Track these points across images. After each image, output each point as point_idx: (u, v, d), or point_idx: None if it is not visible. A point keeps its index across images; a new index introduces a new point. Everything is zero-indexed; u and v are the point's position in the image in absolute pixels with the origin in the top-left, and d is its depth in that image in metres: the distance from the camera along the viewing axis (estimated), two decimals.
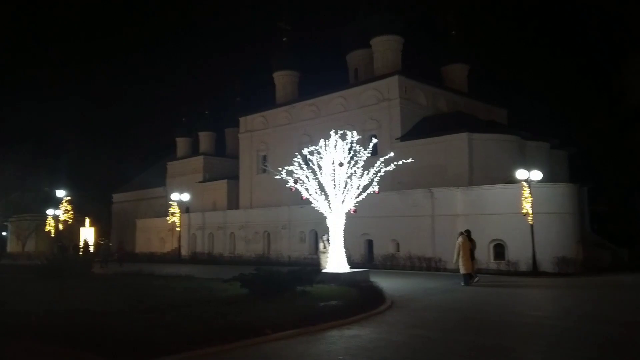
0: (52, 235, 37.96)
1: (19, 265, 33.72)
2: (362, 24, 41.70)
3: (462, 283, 17.83)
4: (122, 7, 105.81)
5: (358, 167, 16.72)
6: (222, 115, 55.12)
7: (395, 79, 35.70)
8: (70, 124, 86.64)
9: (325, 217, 17.19)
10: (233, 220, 40.35)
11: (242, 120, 46.93)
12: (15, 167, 48.54)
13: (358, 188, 16.81)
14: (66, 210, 34.04)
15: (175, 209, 34.31)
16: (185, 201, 38.59)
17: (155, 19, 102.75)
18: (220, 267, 29.49)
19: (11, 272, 25.64)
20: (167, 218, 34.72)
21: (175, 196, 35.84)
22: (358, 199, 16.82)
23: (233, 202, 46.62)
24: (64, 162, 52.32)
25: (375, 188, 16.75)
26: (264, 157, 44.79)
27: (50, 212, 38.14)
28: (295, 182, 16.63)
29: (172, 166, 55.39)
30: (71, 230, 40.21)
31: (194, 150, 55.56)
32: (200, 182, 50.32)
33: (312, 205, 17.37)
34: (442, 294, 15.66)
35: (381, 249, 28.84)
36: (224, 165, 51.57)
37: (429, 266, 25.50)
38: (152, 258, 38.40)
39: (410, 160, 17.34)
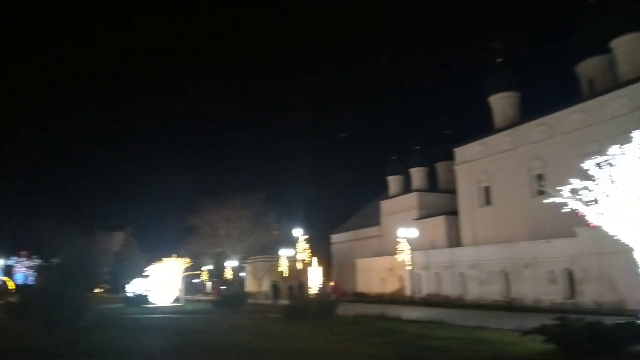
0: (285, 275, 39.89)
1: (260, 304, 35.91)
2: (596, 27, 35.84)
3: None
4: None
5: None
6: (432, 149, 53.36)
7: None
8: (293, 172, 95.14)
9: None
10: (461, 258, 36.88)
11: (457, 151, 44.00)
12: (249, 214, 53.96)
13: None
14: (304, 250, 35.27)
15: (403, 245, 32.70)
16: (406, 238, 36.85)
17: (369, 63, 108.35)
18: (466, 311, 26.01)
19: (257, 311, 26.96)
20: (395, 256, 33.28)
21: (401, 232, 34.26)
22: None
23: (452, 239, 43.33)
24: (292, 205, 56.05)
25: None
26: (486, 188, 40.94)
27: (282, 252, 40.31)
28: (595, 201, 12.89)
29: (386, 205, 54.91)
30: (297, 271, 41.88)
31: (406, 188, 54.38)
32: (415, 219, 48.36)
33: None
34: None
35: None
36: (437, 201, 49.04)
37: None
38: (381, 299, 37.09)
39: None
